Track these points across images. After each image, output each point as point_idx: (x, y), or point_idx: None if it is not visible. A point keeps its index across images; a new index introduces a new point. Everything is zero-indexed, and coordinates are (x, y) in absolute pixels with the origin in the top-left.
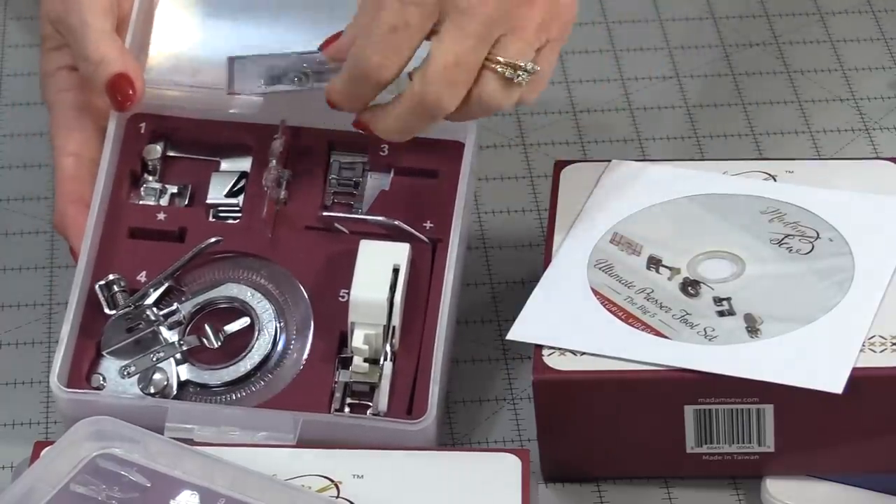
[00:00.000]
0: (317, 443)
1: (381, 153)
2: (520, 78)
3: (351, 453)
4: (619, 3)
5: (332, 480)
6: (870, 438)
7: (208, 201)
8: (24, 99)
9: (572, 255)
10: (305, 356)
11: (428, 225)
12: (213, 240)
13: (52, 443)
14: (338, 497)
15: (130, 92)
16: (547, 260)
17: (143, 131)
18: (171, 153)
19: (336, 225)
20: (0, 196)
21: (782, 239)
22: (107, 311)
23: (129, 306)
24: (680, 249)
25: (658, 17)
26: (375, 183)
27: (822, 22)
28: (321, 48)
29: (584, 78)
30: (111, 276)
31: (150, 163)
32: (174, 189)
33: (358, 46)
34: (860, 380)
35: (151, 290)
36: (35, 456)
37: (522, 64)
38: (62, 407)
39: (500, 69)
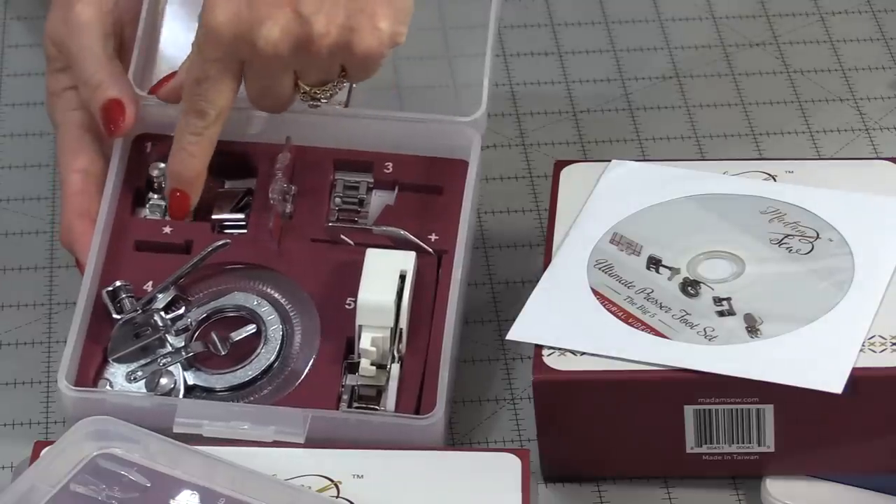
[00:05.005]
0: (325, 441)
1: (386, 171)
2: (318, 103)
3: (351, 453)
4: (619, 3)
5: (332, 480)
6: (870, 438)
7: (214, 216)
8: (24, 99)
9: (572, 255)
10: (312, 362)
11: (433, 237)
12: (220, 242)
13: (52, 443)
14: (338, 497)
15: (120, 119)
16: (547, 260)
17: (148, 151)
18: None
19: (342, 237)
20: (0, 196)
21: (782, 239)
22: (114, 315)
23: (137, 310)
24: (680, 249)
25: (658, 17)
26: (380, 201)
27: (822, 22)
28: (152, 91)
29: (584, 78)
30: (118, 283)
31: (156, 181)
32: None
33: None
34: (860, 380)
35: (159, 294)
36: (35, 456)
37: (318, 94)
38: (69, 406)
39: (302, 96)
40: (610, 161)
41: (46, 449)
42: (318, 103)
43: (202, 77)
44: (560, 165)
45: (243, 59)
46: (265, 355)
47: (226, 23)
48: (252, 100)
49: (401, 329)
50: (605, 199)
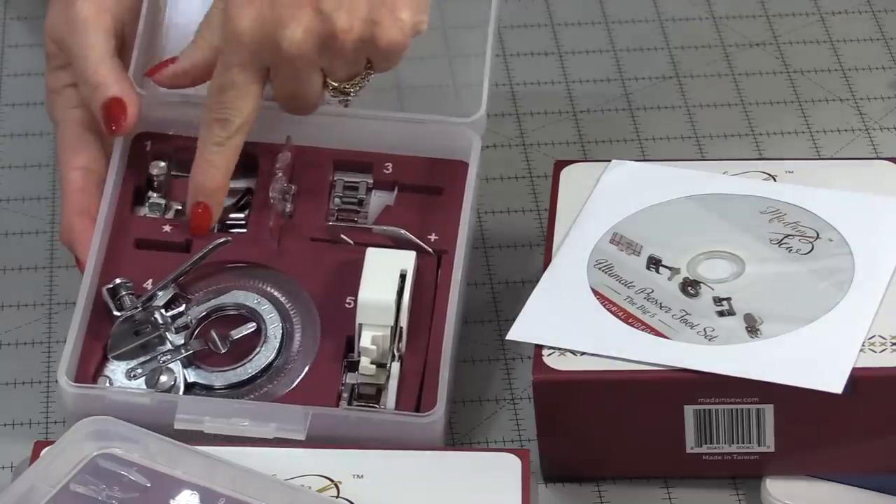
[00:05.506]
0: (325, 439)
1: (386, 171)
2: (347, 98)
3: (351, 453)
4: (619, 3)
5: (332, 480)
6: (870, 438)
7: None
8: (24, 99)
9: (572, 255)
10: (312, 360)
11: (433, 237)
12: (221, 240)
13: (52, 443)
14: (338, 497)
15: (122, 118)
16: (547, 260)
17: (148, 149)
18: (175, 172)
19: (342, 236)
20: (0, 196)
21: (782, 239)
22: (115, 312)
23: (137, 308)
24: (680, 249)
25: (658, 17)
26: (380, 201)
27: (822, 22)
28: (148, 73)
29: (584, 78)
30: (118, 280)
31: (155, 179)
32: (178, 206)
33: (204, 103)
34: (860, 380)
35: (159, 292)
36: (35, 456)
37: (347, 88)
38: (69, 403)
39: (331, 92)
40: (610, 161)
41: (46, 449)
42: (349, 97)
43: (227, 85)
44: (560, 165)
45: (268, 63)
46: (265, 353)
47: (249, 28)
48: (282, 104)
49: (401, 328)
50: (605, 199)
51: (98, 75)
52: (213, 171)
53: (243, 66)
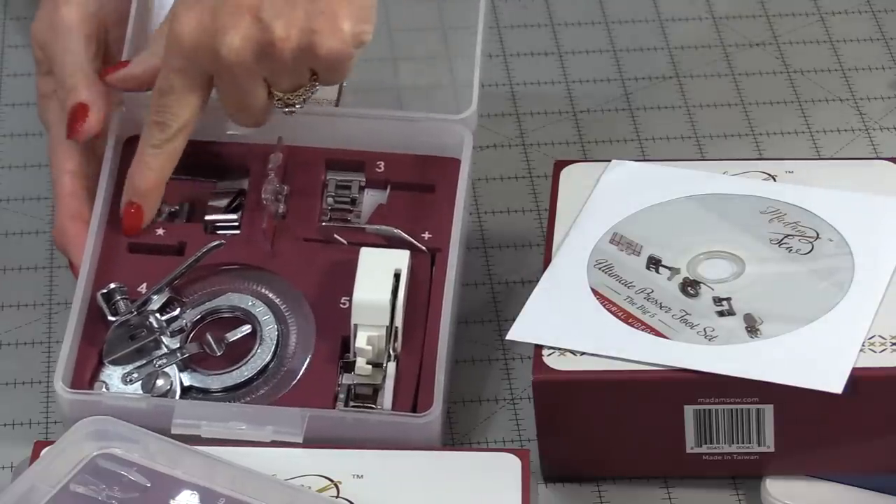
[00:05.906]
0: (323, 440)
1: (378, 170)
2: (291, 109)
3: (351, 453)
4: (619, 3)
5: (332, 480)
6: (870, 438)
7: (207, 217)
8: (24, 99)
9: (572, 255)
10: (308, 362)
11: (426, 235)
12: (215, 243)
13: (52, 443)
14: (338, 497)
15: (78, 124)
16: (547, 260)
17: None
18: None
19: (335, 236)
20: (0, 196)
21: (782, 239)
22: (109, 317)
23: (132, 312)
24: (680, 249)
25: (658, 17)
26: (372, 200)
27: (822, 22)
28: (102, 74)
29: (584, 78)
30: (112, 285)
31: None
32: (171, 208)
33: (149, 106)
34: (860, 380)
35: (154, 296)
36: (35, 456)
37: (292, 99)
38: (66, 409)
39: (277, 103)
40: (610, 161)
41: (46, 449)
42: (294, 109)
43: (166, 88)
44: (560, 165)
45: (208, 70)
46: (261, 355)
47: (189, 34)
48: (230, 115)
49: (396, 327)
50: (605, 199)
51: (72, 80)
52: (148, 173)
53: (182, 72)
